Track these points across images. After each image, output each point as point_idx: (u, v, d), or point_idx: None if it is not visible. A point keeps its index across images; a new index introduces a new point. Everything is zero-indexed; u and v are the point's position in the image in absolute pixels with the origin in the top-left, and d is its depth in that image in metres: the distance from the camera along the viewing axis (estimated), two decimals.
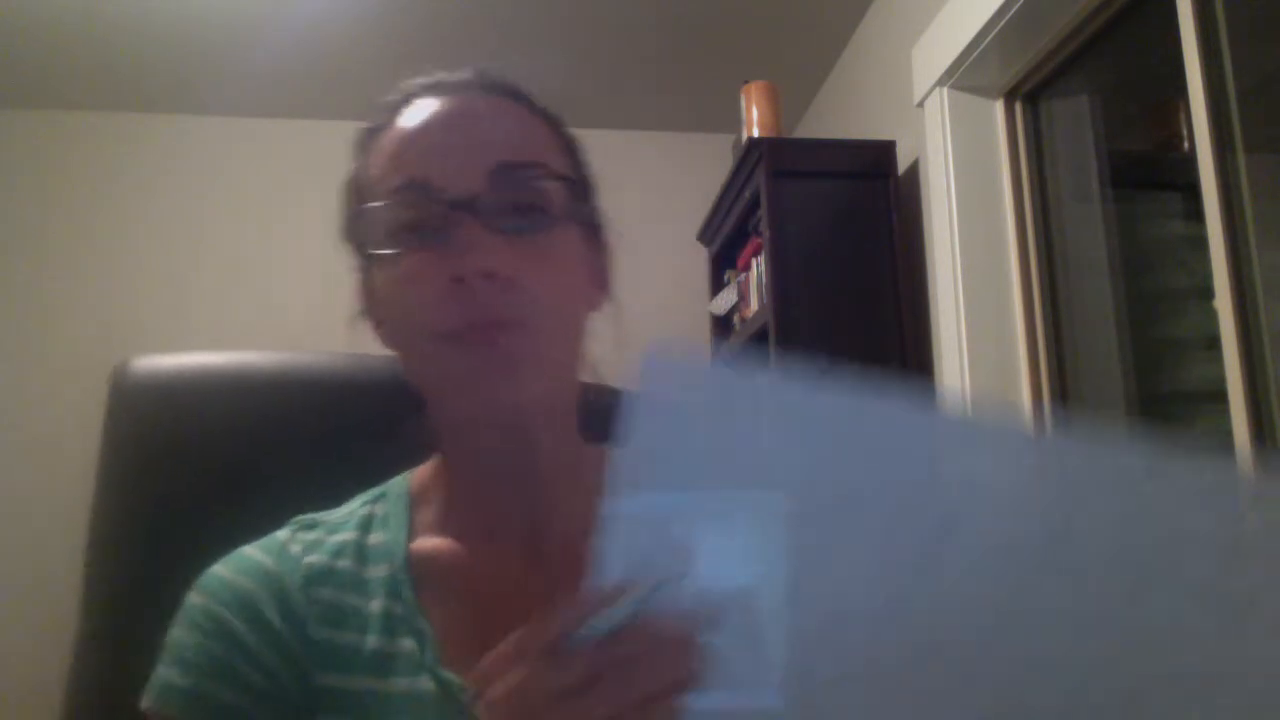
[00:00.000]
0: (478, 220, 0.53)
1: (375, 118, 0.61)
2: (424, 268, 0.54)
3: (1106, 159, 1.88)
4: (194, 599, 0.56)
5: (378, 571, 0.58)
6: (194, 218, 2.92)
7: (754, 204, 2.29)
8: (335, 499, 0.64)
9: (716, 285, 2.77)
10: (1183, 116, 1.52)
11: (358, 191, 0.60)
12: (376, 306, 0.60)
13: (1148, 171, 1.88)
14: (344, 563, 0.58)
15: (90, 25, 2.43)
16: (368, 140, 0.61)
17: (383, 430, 0.66)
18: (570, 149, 0.64)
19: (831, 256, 2.15)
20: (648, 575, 0.38)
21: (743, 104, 2.36)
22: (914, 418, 0.41)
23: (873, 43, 2.51)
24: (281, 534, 0.60)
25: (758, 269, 2.32)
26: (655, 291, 3.17)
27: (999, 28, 1.83)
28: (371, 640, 0.55)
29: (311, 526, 0.61)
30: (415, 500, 0.62)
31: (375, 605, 0.56)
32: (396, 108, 0.60)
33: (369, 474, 0.65)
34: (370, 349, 0.65)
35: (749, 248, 2.41)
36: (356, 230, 0.59)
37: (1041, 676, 0.41)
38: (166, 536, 0.72)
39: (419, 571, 0.58)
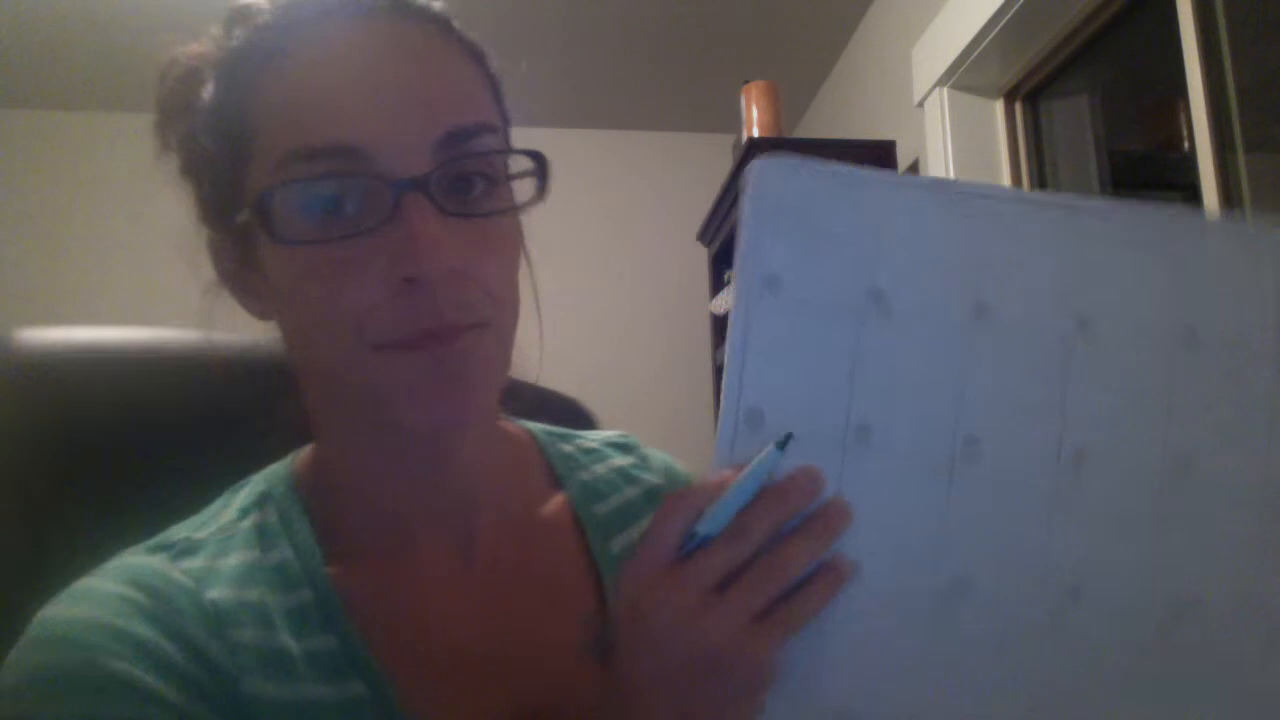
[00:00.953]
0: (431, 204, 0.42)
1: (247, 25, 0.47)
2: (360, 262, 0.43)
3: (1106, 159, 1.88)
4: (50, 658, 0.41)
5: (295, 600, 0.47)
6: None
7: None
8: (207, 487, 0.54)
9: (716, 285, 2.77)
10: (1183, 116, 1.52)
11: (229, 138, 0.46)
12: (269, 295, 0.48)
13: (1148, 171, 1.88)
14: (253, 594, 0.46)
15: None
16: (239, 60, 0.46)
17: (253, 414, 0.56)
18: (496, 89, 0.51)
19: None
20: (755, 449, 0.37)
21: (743, 104, 2.36)
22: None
23: (873, 43, 2.51)
24: (152, 562, 0.46)
25: None
26: (655, 291, 3.18)
27: (999, 28, 1.83)
28: (314, 689, 0.45)
29: (189, 550, 0.48)
30: (307, 503, 0.51)
31: (307, 644, 0.46)
32: (284, 21, 0.46)
33: (242, 461, 0.56)
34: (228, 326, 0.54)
35: None
36: (233, 194, 0.46)
37: None
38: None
39: (345, 597, 0.48)
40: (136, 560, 0.47)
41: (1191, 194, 1.47)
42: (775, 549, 0.38)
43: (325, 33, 0.45)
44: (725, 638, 0.36)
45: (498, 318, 0.46)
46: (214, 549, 0.48)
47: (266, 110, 0.44)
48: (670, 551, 0.38)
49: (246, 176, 0.45)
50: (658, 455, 0.64)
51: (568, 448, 0.61)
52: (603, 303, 3.09)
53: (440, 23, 0.48)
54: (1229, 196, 1.40)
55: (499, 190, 0.47)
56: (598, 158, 3.17)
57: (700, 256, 2.94)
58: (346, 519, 0.51)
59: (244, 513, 0.50)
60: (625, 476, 0.61)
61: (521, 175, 0.48)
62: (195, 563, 0.47)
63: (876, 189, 0.40)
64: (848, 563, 0.38)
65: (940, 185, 0.40)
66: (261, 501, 0.51)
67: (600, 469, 0.60)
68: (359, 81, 0.44)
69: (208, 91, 0.48)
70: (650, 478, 0.61)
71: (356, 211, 0.43)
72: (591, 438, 0.63)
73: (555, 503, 0.57)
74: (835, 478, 0.38)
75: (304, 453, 0.54)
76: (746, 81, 2.38)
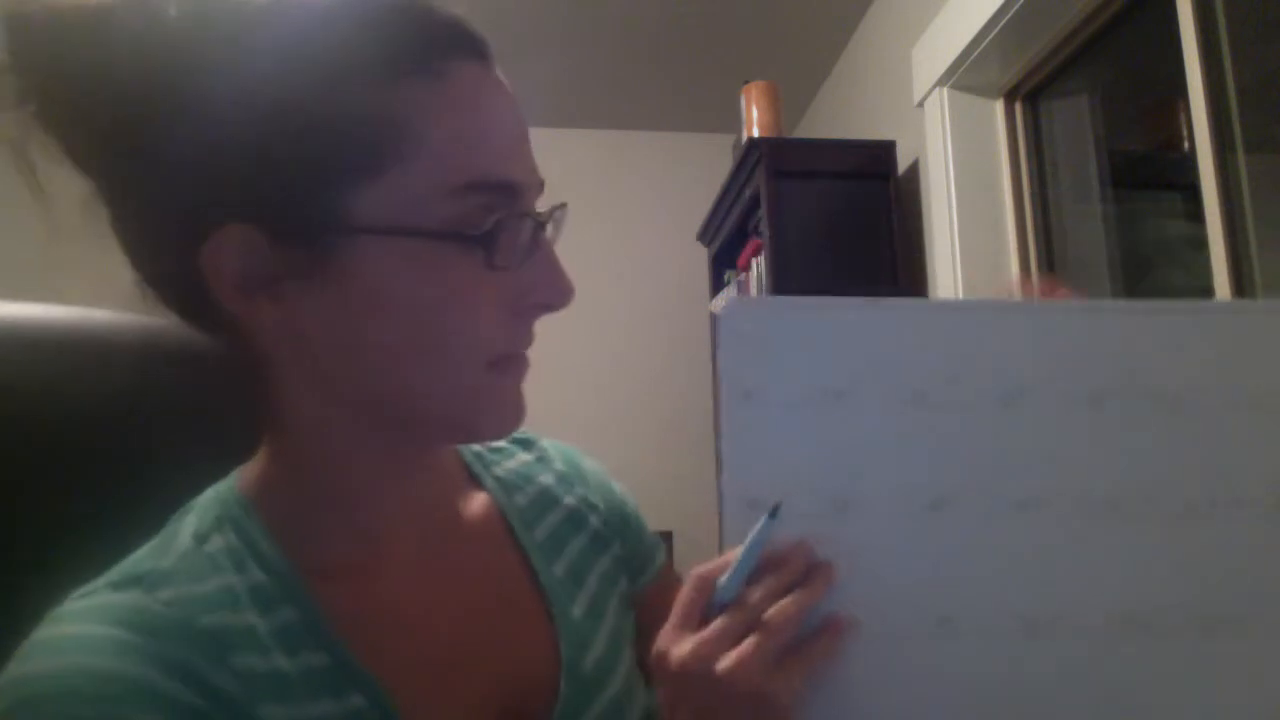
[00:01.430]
0: (549, 240, 0.50)
1: (417, 45, 0.44)
2: (499, 289, 0.47)
3: (1106, 159, 1.88)
4: (56, 712, 0.39)
5: (279, 620, 0.47)
6: None
7: (754, 204, 2.29)
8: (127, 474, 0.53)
9: (716, 285, 2.77)
10: (1183, 116, 1.52)
11: (364, 146, 0.43)
12: (326, 305, 0.46)
13: (1148, 171, 1.88)
14: (239, 618, 0.46)
15: None
16: (405, 75, 0.44)
17: (183, 401, 0.56)
18: None
19: (831, 257, 2.15)
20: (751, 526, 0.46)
21: (743, 104, 2.37)
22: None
23: (873, 43, 2.51)
24: (128, 599, 0.44)
25: (758, 269, 2.32)
26: (655, 291, 3.18)
27: (999, 28, 1.83)
28: (318, 707, 0.45)
29: (162, 581, 0.46)
30: (267, 522, 0.50)
31: (299, 662, 0.46)
32: (448, 51, 0.45)
33: (169, 448, 0.54)
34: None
35: (749, 248, 2.41)
36: (329, 209, 0.44)
37: None
38: None
39: (329, 613, 0.48)
40: (109, 599, 0.44)
41: (1191, 194, 1.47)
42: (781, 605, 0.44)
43: (481, 71, 0.47)
44: (758, 677, 0.43)
45: None
46: (186, 577, 0.46)
47: (433, 127, 0.44)
48: (699, 617, 0.45)
49: (377, 188, 0.43)
50: (555, 446, 0.67)
51: (475, 446, 0.63)
52: (603, 303, 3.09)
53: None
54: (1229, 196, 1.40)
55: None
56: (598, 158, 3.17)
57: (700, 256, 2.94)
58: (312, 534, 0.50)
59: (202, 538, 0.48)
60: (531, 469, 0.64)
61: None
62: (170, 593, 0.45)
63: (827, 312, 0.49)
64: (847, 617, 0.46)
65: (876, 304, 0.50)
66: (218, 525, 0.49)
67: (510, 464, 0.63)
68: (515, 122, 0.48)
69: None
70: (556, 467, 0.65)
71: (507, 244, 0.46)
72: None
73: (480, 500, 0.59)
74: (826, 542, 0.47)
75: (249, 473, 0.52)
76: (746, 81, 2.38)
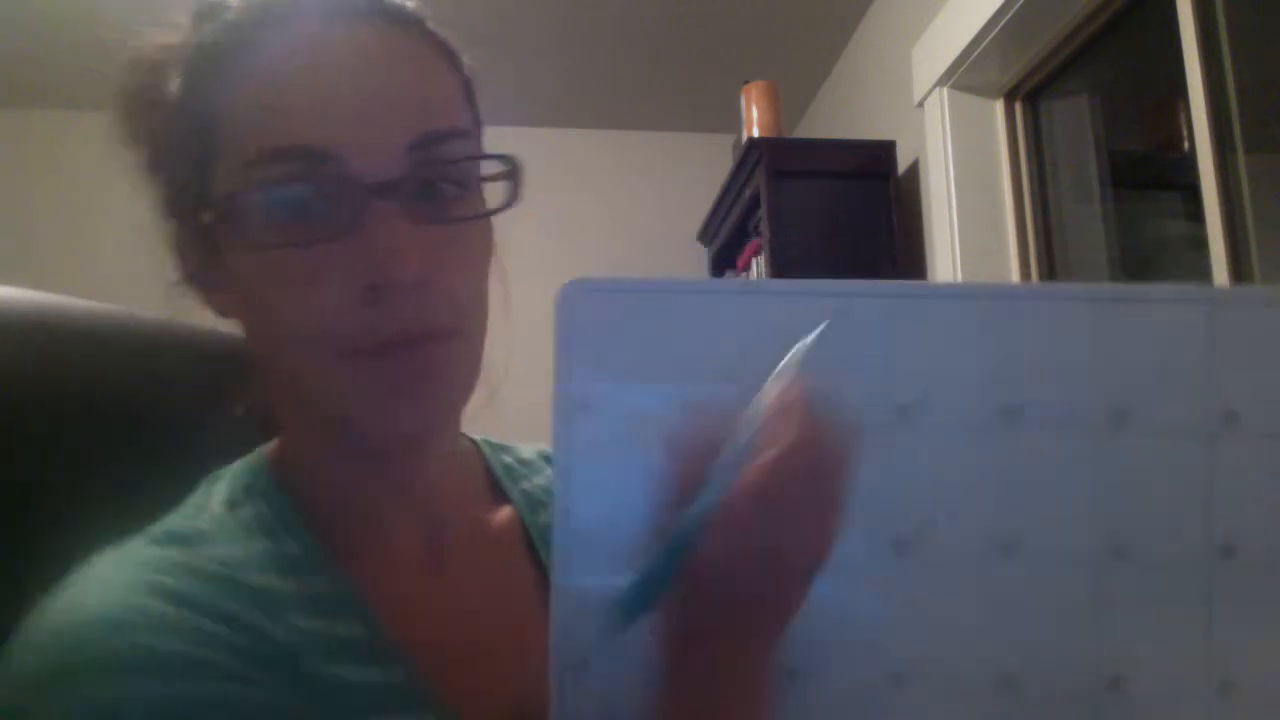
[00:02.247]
0: (400, 210, 0.42)
1: (215, 20, 0.46)
2: (326, 268, 0.42)
3: (1106, 159, 1.88)
4: (103, 683, 0.37)
5: (313, 588, 0.46)
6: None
7: (754, 204, 2.29)
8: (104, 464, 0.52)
9: None
10: (1183, 116, 1.52)
11: (196, 135, 0.45)
12: (233, 295, 0.47)
13: (1148, 171, 1.88)
14: (284, 582, 0.45)
15: None
16: (207, 56, 0.45)
17: (198, 403, 0.54)
18: (469, 91, 0.50)
19: (831, 257, 2.15)
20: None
21: (743, 104, 2.37)
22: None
23: (873, 43, 2.51)
24: (167, 553, 0.43)
25: (758, 269, 2.32)
26: None
27: (999, 28, 1.83)
28: (360, 672, 0.44)
29: (202, 540, 0.45)
30: (293, 497, 0.49)
31: (338, 629, 0.45)
32: (255, 18, 0.45)
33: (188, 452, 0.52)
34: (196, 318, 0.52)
35: (749, 248, 2.41)
36: (199, 192, 0.45)
37: None
38: None
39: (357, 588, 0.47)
40: (156, 553, 0.43)
41: (1191, 194, 1.47)
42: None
43: (297, 32, 0.44)
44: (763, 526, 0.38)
45: (463, 327, 0.46)
46: (225, 539, 0.45)
47: (235, 108, 0.44)
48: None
49: (213, 174, 0.44)
50: None
51: (507, 459, 0.61)
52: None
53: (415, 24, 0.47)
54: (1229, 197, 1.40)
55: (470, 196, 0.47)
56: (598, 158, 3.17)
57: (700, 256, 2.94)
58: (323, 516, 0.49)
59: (233, 505, 0.48)
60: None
61: (494, 179, 0.48)
62: (215, 551, 0.44)
63: (677, 299, 0.42)
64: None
65: (728, 286, 0.44)
66: (248, 494, 0.48)
67: (539, 480, 0.61)
68: (331, 83, 0.43)
69: (174, 85, 0.46)
70: None
71: (324, 216, 0.42)
72: (524, 450, 0.64)
73: (504, 514, 0.58)
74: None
75: (271, 449, 0.52)
76: (746, 81, 2.38)
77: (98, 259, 2.86)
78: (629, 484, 0.40)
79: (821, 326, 0.38)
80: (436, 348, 0.44)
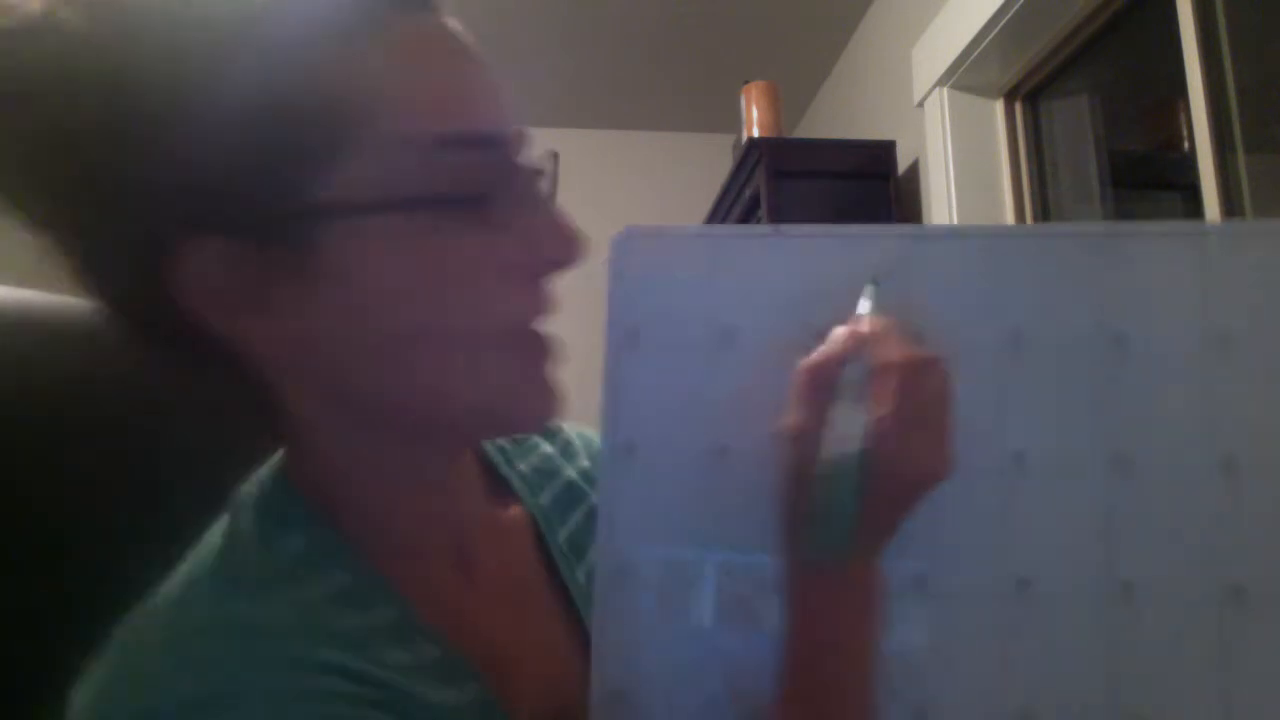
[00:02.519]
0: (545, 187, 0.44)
1: (356, 8, 0.40)
2: (495, 253, 0.41)
3: (1106, 159, 1.88)
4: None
5: (381, 619, 0.44)
6: None
7: (754, 204, 2.29)
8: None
9: None
10: (1183, 116, 1.52)
11: (298, 127, 0.38)
12: (309, 309, 0.40)
13: (1148, 171, 1.88)
14: (354, 618, 0.43)
15: None
16: (349, 41, 0.39)
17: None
18: None
19: None
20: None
21: (743, 104, 2.37)
22: None
23: (873, 43, 2.51)
24: (240, 609, 0.40)
25: None
26: None
27: (999, 28, 1.83)
28: (448, 694, 0.43)
29: (262, 588, 0.41)
30: (333, 523, 0.46)
31: (416, 655, 0.43)
32: (390, 6, 0.40)
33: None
34: None
35: None
36: (289, 191, 0.38)
37: None
38: None
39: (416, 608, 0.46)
40: (224, 611, 0.39)
41: (1191, 194, 1.47)
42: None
43: (436, 27, 0.42)
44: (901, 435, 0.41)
45: None
46: (283, 581, 0.42)
47: (391, 96, 0.39)
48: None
49: (330, 172, 0.38)
50: (581, 436, 0.64)
51: (500, 440, 0.60)
52: (603, 302, 3.08)
53: None
54: (1229, 196, 1.40)
55: None
56: (598, 158, 3.17)
57: None
58: (366, 538, 0.46)
59: (269, 539, 0.44)
60: (553, 463, 0.60)
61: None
62: (283, 597, 0.41)
63: (720, 243, 0.46)
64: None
65: (775, 231, 0.46)
66: (283, 526, 0.45)
67: (534, 459, 0.60)
68: (479, 71, 0.42)
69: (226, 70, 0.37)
70: (581, 463, 0.61)
71: (496, 201, 0.41)
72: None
73: (507, 503, 0.56)
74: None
75: (290, 468, 0.47)
76: (746, 81, 2.38)
77: None
78: (666, 402, 0.44)
79: (880, 279, 0.43)
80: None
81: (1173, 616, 0.43)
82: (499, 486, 0.57)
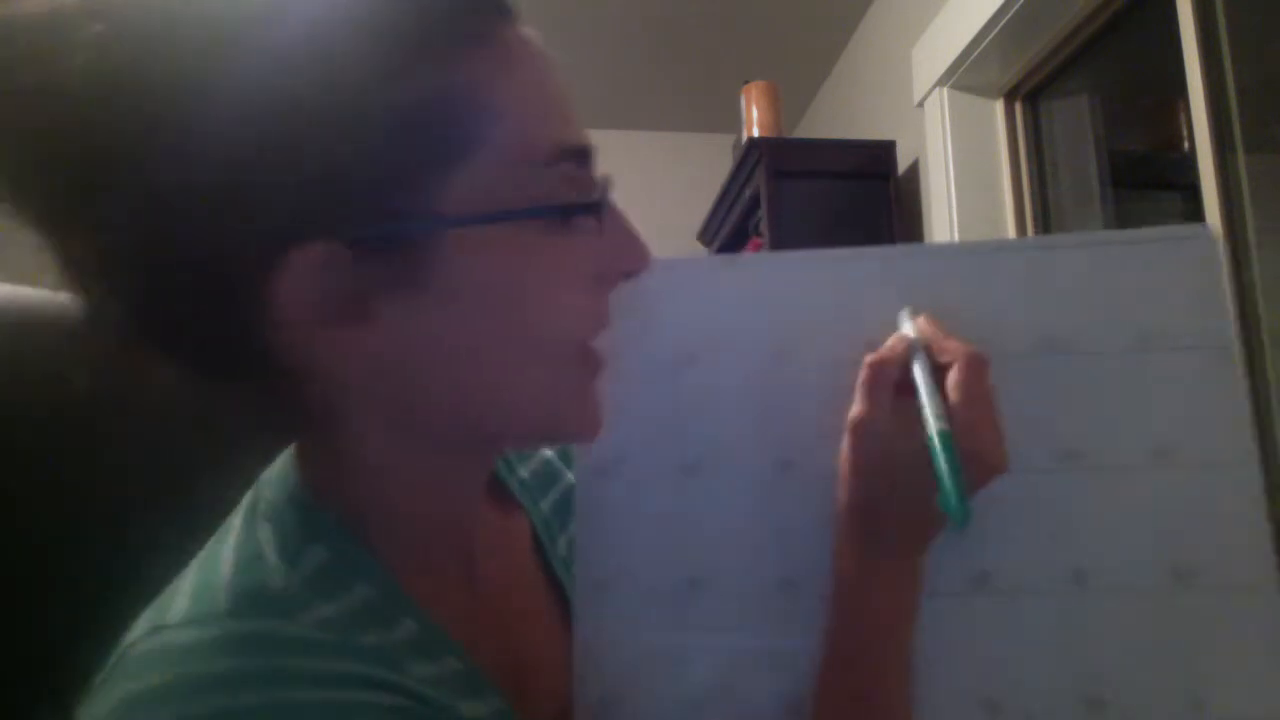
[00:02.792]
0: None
1: (463, 11, 0.39)
2: (582, 264, 0.42)
3: (1106, 159, 1.88)
4: None
5: (405, 633, 0.43)
6: None
7: (754, 204, 2.29)
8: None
9: None
10: (1183, 116, 1.52)
11: (408, 135, 0.37)
12: (405, 316, 0.39)
13: (1148, 171, 1.88)
14: (380, 634, 0.42)
15: None
16: (461, 45, 0.38)
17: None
18: None
19: None
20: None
21: (743, 104, 2.37)
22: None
23: (873, 43, 2.51)
24: (259, 626, 0.38)
25: None
26: None
27: (999, 28, 1.83)
28: (474, 707, 0.43)
29: (290, 605, 0.40)
30: (354, 533, 0.44)
31: (440, 670, 0.43)
32: (491, 13, 0.40)
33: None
34: None
35: (749, 248, 2.40)
36: (409, 197, 0.37)
37: None
38: None
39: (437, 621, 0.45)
40: (249, 628, 0.38)
41: (1191, 194, 1.47)
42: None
43: (514, 29, 0.42)
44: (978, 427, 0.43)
45: None
46: (308, 596, 0.41)
47: (500, 102, 0.39)
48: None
49: (443, 181, 0.38)
50: None
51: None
52: None
53: None
54: (1229, 196, 1.40)
55: None
56: (598, 158, 3.16)
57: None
58: (386, 550, 0.45)
59: (292, 554, 0.42)
60: (552, 466, 0.60)
61: None
62: (311, 615, 0.40)
63: (680, 273, 0.50)
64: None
65: (731, 261, 0.50)
66: (306, 538, 0.43)
67: (533, 464, 0.59)
68: (564, 82, 0.44)
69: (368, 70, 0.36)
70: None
71: (588, 212, 0.42)
72: None
73: (510, 510, 0.56)
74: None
75: (311, 477, 0.46)
76: (746, 81, 2.38)
77: None
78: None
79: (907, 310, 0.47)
80: None
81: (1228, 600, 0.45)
82: (501, 492, 0.56)
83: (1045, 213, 1.98)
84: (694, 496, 0.48)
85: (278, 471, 0.47)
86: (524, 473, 0.58)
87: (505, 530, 0.55)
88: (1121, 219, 1.84)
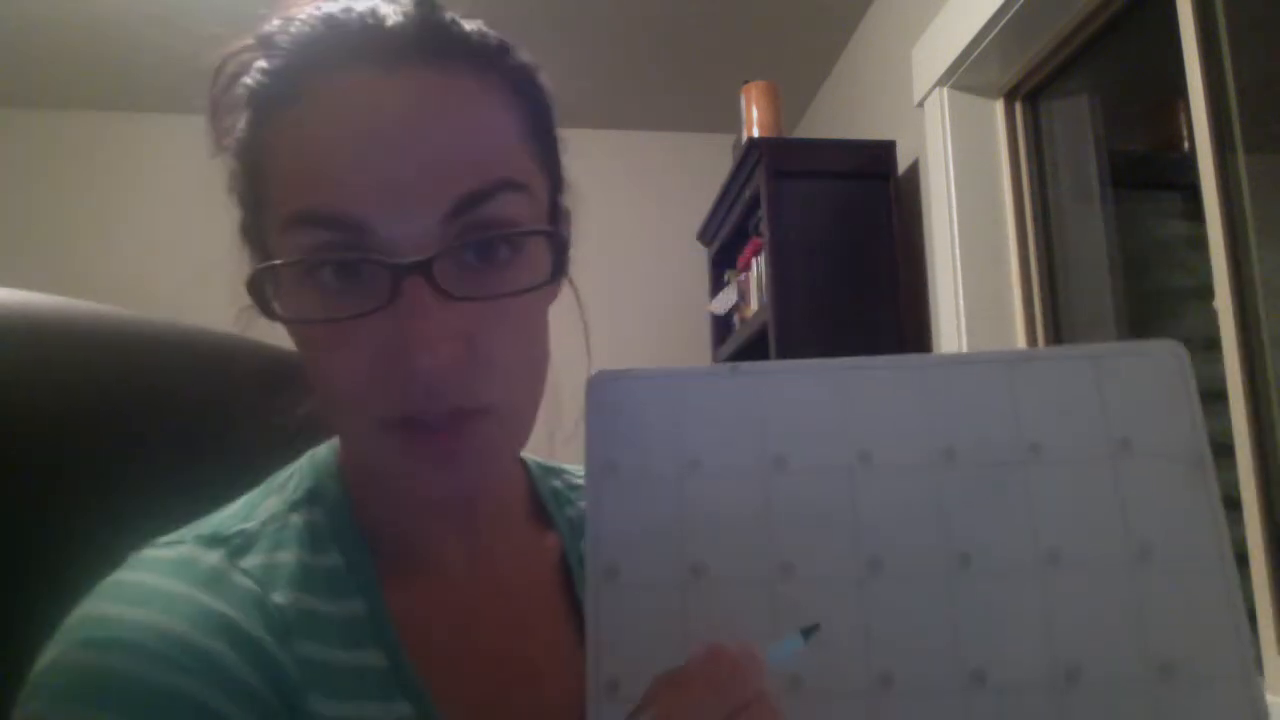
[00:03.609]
0: (432, 290, 0.40)
1: (270, 58, 0.43)
2: (358, 341, 0.41)
3: (1106, 159, 1.88)
4: (106, 662, 0.38)
5: (346, 611, 0.45)
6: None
7: (754, 204, 2.29)
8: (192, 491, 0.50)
9: (716, 285, 2.77)
10: (1183, 116, 1.52)
11: (252, 174, 0.44)
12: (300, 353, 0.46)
13: (1148, 171, 1.88)
14: (308, 600, 0.44)
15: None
16: (264, 105, 0.43)
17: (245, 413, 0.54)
18: (539, 124, 0.49)
19: (831, 257, 2.15)
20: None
21: (743, 104, 2.37)
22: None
23: (873, 43, 2.51)
24: (207, 557, 0.43)
25: (758, 269, 2.32)
26: (655, 291, 3.18)
27: (999, 28, 1.83)
28: (364, 708, 0.44)
29: (245, 546, 0.45)
30: (358, 503, 0.49)
31: (356, 659, 0.44)
32: (300, 62, 0.42)
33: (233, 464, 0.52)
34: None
35: (749, 248, 2.41)
36: (257, 231, 0.45)
37: None
38: None
39: (394, 610, 0.47)
40: (195, 555, 0.43)
41: (1191, 194, 1.47)
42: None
43: (342, 84, 0.41)
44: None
45: (504, 400, 0.43)
46: (268, 543, 0.46)
47: (277, 164, 0.42)
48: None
49: (264, 219, 0.44)
50: None
51: (556, 483, 0.60)
52: (602, 302, 3.08)
53: (476, 57, 0.45)
54: (1229, 197, 1.40)
55: (523, 253, 0.43)
56: (598, 158, 3.17)
57: (700, 256, 2.94)
58: (377, 530, 0.49)
59: (293, 506, 0.48)
60: (579, 479, 0.60)
61: (539, 232, 0.45)
62: (253, 560, 0.44)
63: (684, 382, 0.49)
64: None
65: (733, 370, 0.50)
66: (310, 498, 0.48)
67: (567, 475, 0.60)
68: (369, 149, 0.40)
69: (242, 117, 0.44)
70: None
71: (357, 288, 0.41)
72: (578, 473, 0.62)
73: (546, 540, 0.56)
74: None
75: (339, 451, 0.51)
76: (746, 81, 2.38)
77: (149, 262, 2.88)
78: (646, 525, 0.46)
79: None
80: (469, 424, 0.42)
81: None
82: (546, 527, 0.57)
83: (1045, 213, 1.98)
84: (696, 595, 0.47)
85: (323, 455, 0.52)
86: (557, 483, 0.59)
87: (533, 558, 0.55)
88: (1121, 219, 1.84)
